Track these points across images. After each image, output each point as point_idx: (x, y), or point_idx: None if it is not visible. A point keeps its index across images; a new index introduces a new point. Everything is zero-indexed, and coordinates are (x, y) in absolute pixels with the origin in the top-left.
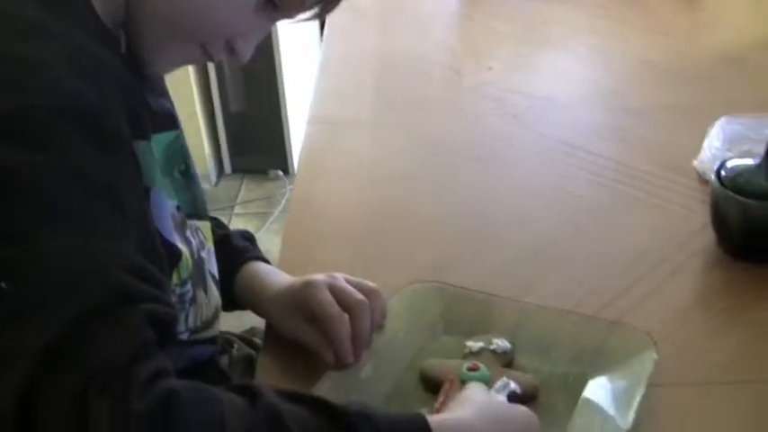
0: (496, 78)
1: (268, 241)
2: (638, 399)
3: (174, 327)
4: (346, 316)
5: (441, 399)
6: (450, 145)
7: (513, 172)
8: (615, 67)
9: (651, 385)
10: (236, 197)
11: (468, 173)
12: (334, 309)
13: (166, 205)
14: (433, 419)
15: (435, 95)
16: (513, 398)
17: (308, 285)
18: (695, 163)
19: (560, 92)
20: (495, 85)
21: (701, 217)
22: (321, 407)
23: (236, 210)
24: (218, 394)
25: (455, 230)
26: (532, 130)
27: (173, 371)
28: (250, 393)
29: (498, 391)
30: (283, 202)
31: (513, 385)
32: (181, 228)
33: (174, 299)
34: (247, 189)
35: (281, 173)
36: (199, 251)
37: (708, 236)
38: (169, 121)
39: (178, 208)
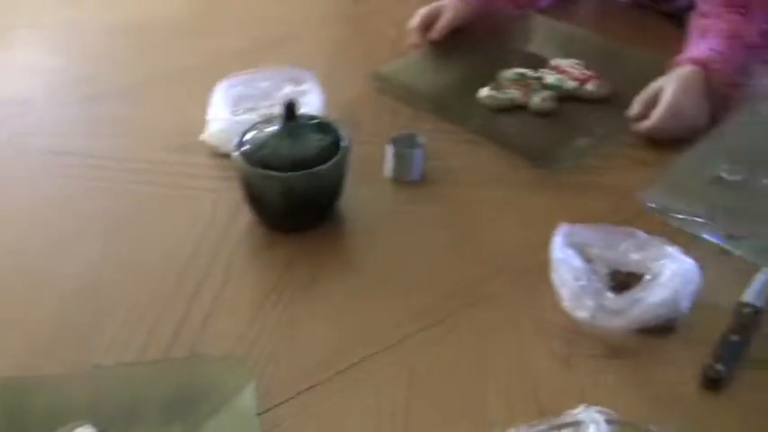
0: None
1: None
2: None
3: None
4: None
5: None
6: None
7: (15, 198)
8: (85, 47)
9: (261, 413)
10: None
11: None
12: None
13: None
14: None
15: None
16: None
17: None
18: (204, 136)
19: (38, 91)
20: None
21: (228, 195)
22: None
23: None
24: None
25: None
26: (21, 145)
27: None
28: None
29: None
30: None
31: None
32: None
33: None
34: None
35: None
36: None
37: (245, 215)
38: None
39: None
